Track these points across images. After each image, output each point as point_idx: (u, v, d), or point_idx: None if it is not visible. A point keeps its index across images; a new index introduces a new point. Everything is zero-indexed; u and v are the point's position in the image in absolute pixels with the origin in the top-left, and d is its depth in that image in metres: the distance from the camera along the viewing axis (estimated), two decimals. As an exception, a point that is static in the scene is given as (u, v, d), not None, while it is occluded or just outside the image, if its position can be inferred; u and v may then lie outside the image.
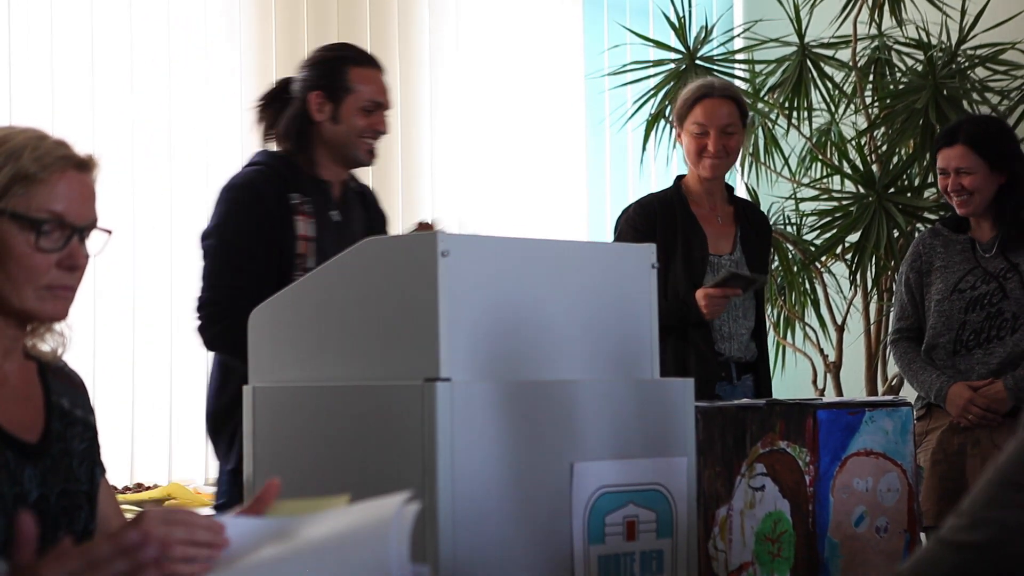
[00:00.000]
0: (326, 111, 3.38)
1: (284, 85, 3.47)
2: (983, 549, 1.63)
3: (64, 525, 1.92)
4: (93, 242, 1.92)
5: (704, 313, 3.69)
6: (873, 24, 5.25)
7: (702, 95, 3.86)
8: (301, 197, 3.35)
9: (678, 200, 3.88)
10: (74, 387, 2.03)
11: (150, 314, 4.38)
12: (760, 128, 5.46)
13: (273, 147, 3.44)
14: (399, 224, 4.94)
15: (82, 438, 1.99)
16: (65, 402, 1.99)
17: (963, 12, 5.09)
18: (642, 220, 3.84)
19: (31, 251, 1.85)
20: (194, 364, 4.46)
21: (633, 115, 5.41)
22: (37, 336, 1.96)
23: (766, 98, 5.35)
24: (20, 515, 1.64)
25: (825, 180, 5.36)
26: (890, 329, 4.15)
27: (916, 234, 5.03)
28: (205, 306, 3.30)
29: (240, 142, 4.61)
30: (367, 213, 3.52)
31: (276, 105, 3.45)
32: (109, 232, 1.94)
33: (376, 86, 3.42)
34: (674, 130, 3.97)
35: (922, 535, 2.99)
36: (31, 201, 1.85)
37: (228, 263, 3.29)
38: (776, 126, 5.46)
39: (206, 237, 3.35)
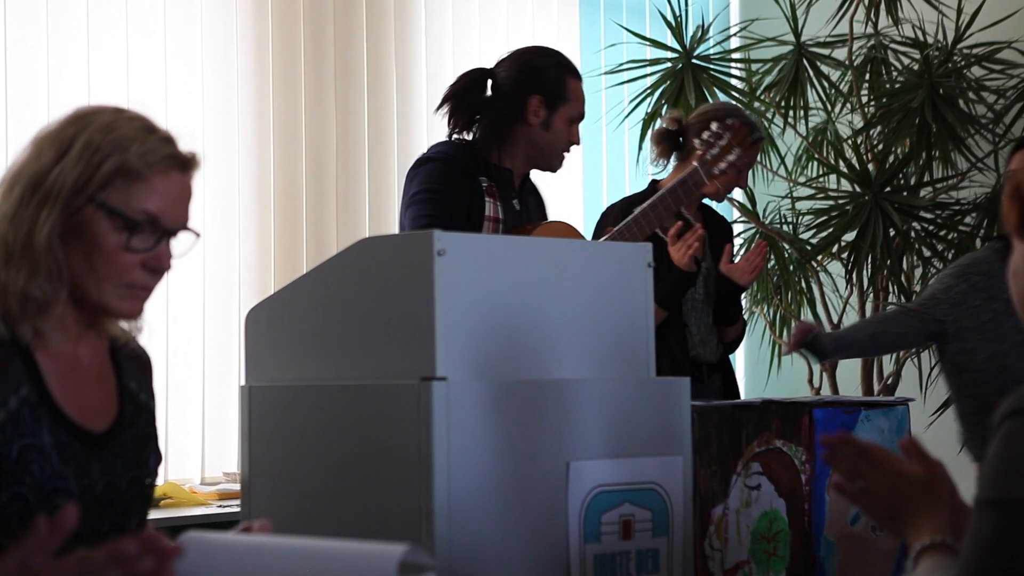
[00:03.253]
0: (540, 116, 3.47)
1: (480, 77, 3.51)
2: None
3: (136, 512, 1.93)
4: (179, 242, 1.91)
5: (684, 267, 3.68)
6: (869, 23, 5.25)
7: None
8: (488, 181, 3.44)
9: None
10: (141, 368, 2.02)
11: (146, 316, 4.38)
12: (756, 127, 5.46)
13: (455, 138, 3.50)
14: (395, 225, 4.94)
15: (145, 424, 1.99)
16: (134, 385, 1.98)
17: (959, 11, 5.09)
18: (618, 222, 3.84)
19: (120, 249, 1.83)
20: (190, 364, 4.46)
21: (629, 114, 5.41)
22: (109, 322, 1.94)
23: (762, 97, 5.36)
24: (66, 507, 1.62)
25: (821, 179, 5.36)
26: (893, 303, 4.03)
27: (912, 233, 5.04)
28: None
29: (237, 142, 4.60)
30: (538, 204, 3.64)
31: (465, 98, 3.49)
32: (198, 234, 1.92)
33: (582, 99, 3.55)
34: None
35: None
36: (130, 198, 1.82)
37: (441, 204, 3.33)
38: (772, 125, 5.46)
39: (412, 198, 3.39)
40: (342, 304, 2.30)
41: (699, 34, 5.33)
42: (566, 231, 3.54)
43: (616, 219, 3.83)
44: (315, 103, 4.79)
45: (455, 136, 3.51)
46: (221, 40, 4.60)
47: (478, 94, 3.49)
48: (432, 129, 5.07)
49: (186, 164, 1.89)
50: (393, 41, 5.00)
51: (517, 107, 3.45)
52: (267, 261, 4.66)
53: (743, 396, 4.32)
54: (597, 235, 3.89)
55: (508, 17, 5.36)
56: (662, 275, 3.75)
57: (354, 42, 4.90)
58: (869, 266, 5.08)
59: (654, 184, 4.00)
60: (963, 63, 5.12)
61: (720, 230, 4.01)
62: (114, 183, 1.82)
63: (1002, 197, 1.66)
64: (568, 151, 3.55)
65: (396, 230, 4.83)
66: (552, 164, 3.54)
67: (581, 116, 3.55)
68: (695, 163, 3.63)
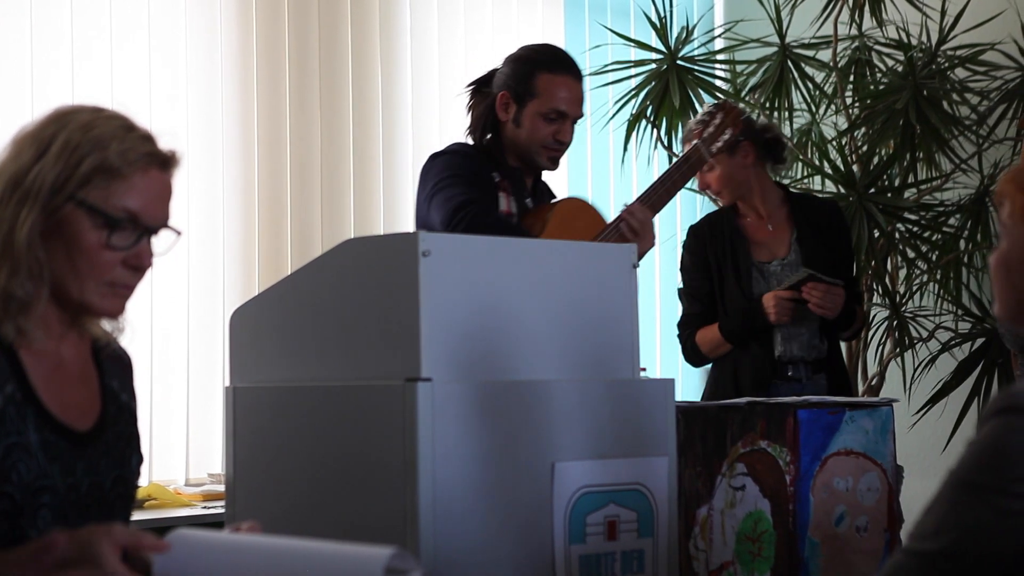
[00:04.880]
0: (510, 112, 3.45)
1: (490, 76, 3.54)
2: (946, 555, 1.65)
3: (119, 512, 1.93)
4: (160, 240, 1.91)
5: (771, 316, 3.74)
6: (854, 25, 5.26)
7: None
8: (501, 176, 3.43)
9: (726, 215, 4.01)
10: (122, 368, 2.02)
11: (130, 316, 4.37)
12: (741, 128, 5.46)
13: (468, 140, 3.54)
14: (381, 226, 4.94)
15: (127, 423, 1.99)
16: (115, 384, 1.98)
17: (943, 13, 5.10)
18: (694, 242, 4.02)
19: (100, 247, 1.83)
20: (174, 365, 4.45)
21: (614, 115, 5.42)
22: (91, 322, 1.95)
23: (747, 98, 5.36)
24: (54, 536, 1.63)
25: (806, 180, 5.36)
26: None
27: (896, 234, 5.05)
28: (468, 205, 3.27)
29: (221, 142, 4.60)
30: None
31: (478, 96, 3.53)
32: (179, 232, 1.92)
33: (564, 95, 3.43)
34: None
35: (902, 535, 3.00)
36: (109, 196, 1.83)
37: (468, 183, 3.32)
38: (757, 126, 5.46)
39: (436, 185, 3.36)
40: (327, 305, 2.30)
41: (684, 35, 5.33)
42: (582, 208, 3.54)
43: (688, 243, 4.01)
44: (300, 103, 4.78)
45: (468, 135, 3.53)
46: (205, 40, 4.59)
47: (483, 87, 3.53)
48: (417, 130, 5.08)
49: (166, 162, 1.89)
50: (378, 42, 4.99)
51: (491, 103, 3.47)
52: (252, 262, 4.65)
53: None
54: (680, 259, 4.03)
55: (493, 18, 5.36)
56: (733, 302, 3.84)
57: (339, 42, 4.90)
58: (854, 267, 5.08)
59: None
60: (947, 65, 5.13)
61: (810, 219, 3.97)
62: (94, 181, 1.82)
63: (1002, 186, 1.72)
64: (552, 149, 3.46)
65: (380, 231, 4.84)
66: (537, 162, 3.49)
67: (559, 113, 3.44)
68: (696, 141, 3.72)
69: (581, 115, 3.49)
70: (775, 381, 3.82)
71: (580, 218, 3.49)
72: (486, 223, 3.22)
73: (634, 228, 3.46)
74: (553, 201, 3.58)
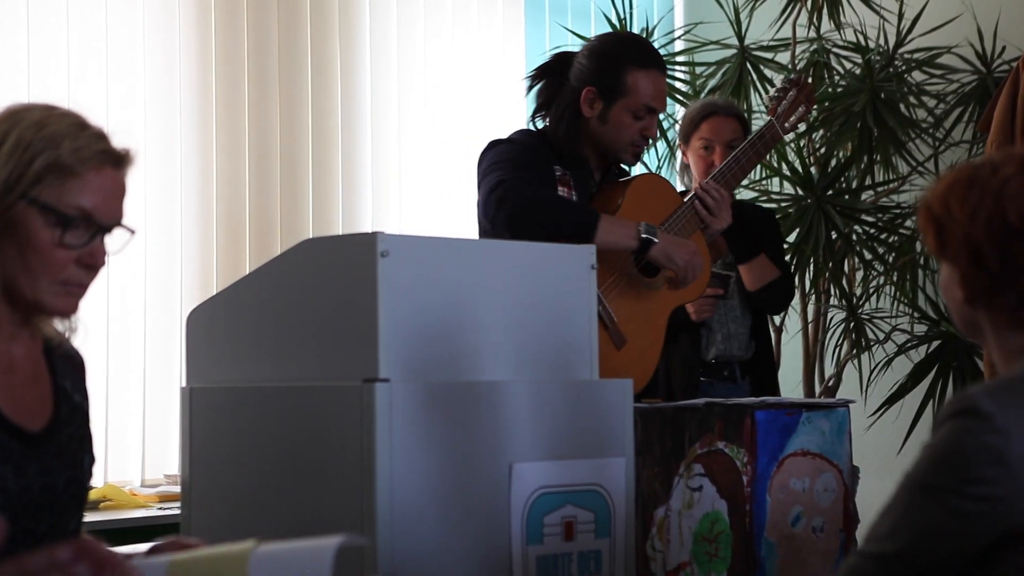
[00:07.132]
0: (596, 109, 3.33)
1: (561, 59, 3.41)
2: (902, 556, 1.67)
3: (72, 514, 1.91)
4: (114, 239, 1.89)
5: (691, 315, 3.72)
6: (812, 27, 5.29)
7: (708, 113, 3.93)
8: (562, 169, 3.33)
9: None
10: (74, 368, 2.01)
11: (85, 316, 4.33)
12: (700, 130, 5.47)
13: (537, 124, 3.41)
14: (340, 226, 4.92)
15: (79, 424, 1.97)
16: (68, 385, 1.97)
17: (900, 16, 5.14)
18: None
19: (54, 246, 1.82)
20: (130, 364, 4.42)
21: (574, 116, 5.41)
22: (43, 321, 1.93)
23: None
24: None
25: (764, 182, 5.39)
26: None
27: (854, 236, 5.08)
28: (501, 184, 3.16)
29: (179, 141, 4.57)
30: None
31: (549, 80, 3.39)
32: (133, 231, 1.91)
33: (653, 91, 3.33)
34: (678, 149, 4.00)
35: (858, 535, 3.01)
36: (63, 194, 1.81)
37: (517, 165, 3.21)
38: (716, 128, 5.47)
39: (488, 169, 3.25)
40: (285, 305, 2.30)
41: (643, 37, 5.35)
42: (658, 184, 3.51)
43: None
44: (259, 102, 4.76)
45: (537, 117, 3.41)
46: (164, 38, 4.56)
47: (558, 76, 3.40)
48: (376, 130, 5.06)
49: (120, 160, 1.88)
50: (338, 40, 4.98)
51: (574, 96, 3.36)
52: (210, 261, 4.63)
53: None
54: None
55: (453, 19, 5.36)
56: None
57: (298, 41, 4.88)
58: (811, 269, 5.11)
59: None
60: (904, 68, 5.17)
61: (742, 222, 3.86)
62: (46, 179, 1.81)
63: (919, 217, 1.76)
64: (639, 145, 3.37)
65: (339, 231, 4.83)
66: (620, 158, 3.40)
67: (648, 109, 3.33)
68: (771, 118, 3.70)
69: (666, 108, 3.40)
70: (710, 381, 3.82)
71: (656, 196, 3.44)
72: (523, 195, 3.12)
73: (709, 207, 3.45)
74: (627, 178, 3.49)
